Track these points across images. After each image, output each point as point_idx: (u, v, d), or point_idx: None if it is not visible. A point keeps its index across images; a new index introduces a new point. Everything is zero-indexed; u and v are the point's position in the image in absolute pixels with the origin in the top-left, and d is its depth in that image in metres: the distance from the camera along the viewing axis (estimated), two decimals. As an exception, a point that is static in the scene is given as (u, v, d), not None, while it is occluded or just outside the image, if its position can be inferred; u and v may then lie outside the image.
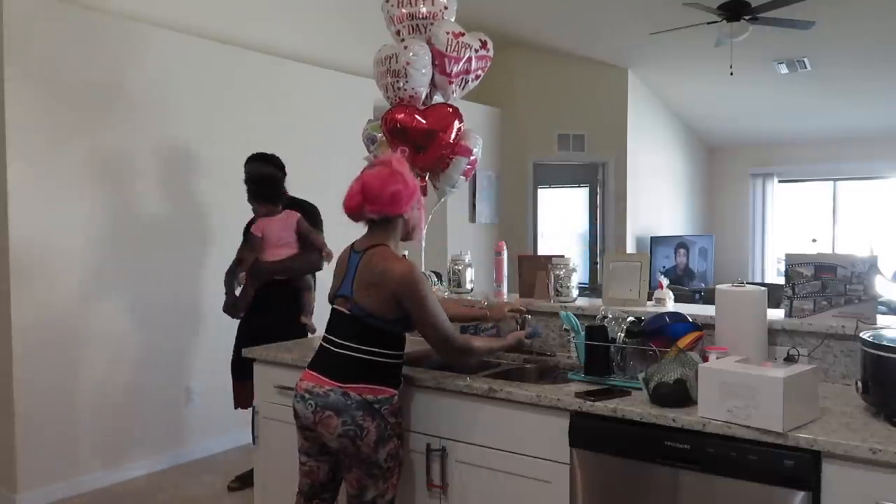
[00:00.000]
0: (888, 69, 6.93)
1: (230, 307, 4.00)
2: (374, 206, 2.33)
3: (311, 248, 3.90)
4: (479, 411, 2.39)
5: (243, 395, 3.88)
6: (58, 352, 3.98)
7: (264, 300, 3.89)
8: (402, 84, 3.36)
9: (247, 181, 3.94)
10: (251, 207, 3.96)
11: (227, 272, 4.07)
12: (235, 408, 4.04)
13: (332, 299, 2.44)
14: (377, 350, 2.33)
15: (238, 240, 4.13)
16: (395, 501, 2.44)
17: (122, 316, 4.27)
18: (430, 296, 2.34)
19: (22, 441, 3.83)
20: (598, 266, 8.10)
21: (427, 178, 3.61)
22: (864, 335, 1.99)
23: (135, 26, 4.40)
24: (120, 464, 4.24)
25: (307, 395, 2.32)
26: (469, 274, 3.35)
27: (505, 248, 3.31)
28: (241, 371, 3.80)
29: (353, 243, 2.46)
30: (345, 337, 2.34)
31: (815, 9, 5.49)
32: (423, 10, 3.39)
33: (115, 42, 4.27)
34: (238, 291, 4.01)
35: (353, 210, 2.37)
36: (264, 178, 3.89)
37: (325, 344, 2.41)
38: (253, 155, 4.06)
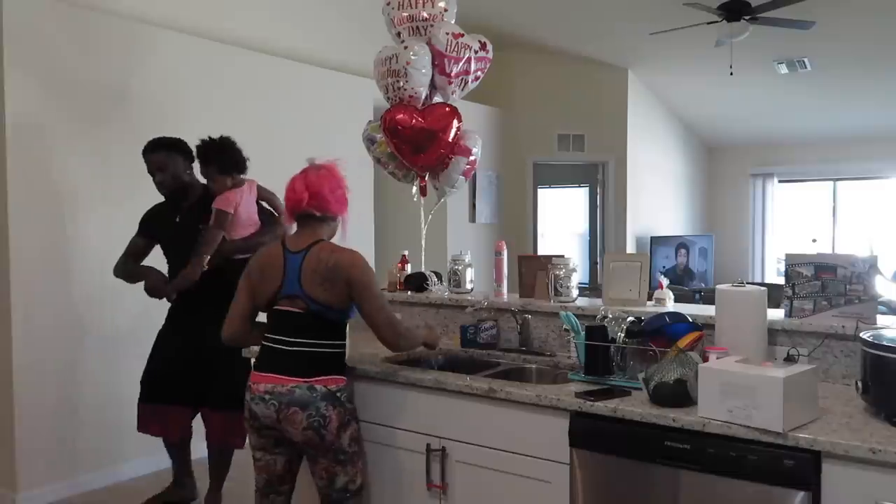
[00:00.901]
0: (888, 69, 6.93)
1: (158, 286, 3.39)
2: (319, 203, 2.44)
3: (275, 218, 3.47)
4: (479, 411, 2.39)
5: (157, 421, 3.46)
6: (58, 352, 3.98)
7: (195, 299, 3.34)
8: (402, 84, 3.37)
9: (207, 148, 3.38)
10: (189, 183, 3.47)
11: (118, 268, 3.53)
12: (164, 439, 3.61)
13: (271, 303, 2.46)
14: (330, 342, 2.43)
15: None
16: (364, 486, 2.52)
17: (122, 316, 4.27)
18: (377, 282, 2.51)
19: (22, 441, 3.83)
20: (598, 266, 8.10)
21: (426, 177, 3.62)
22: (864, 335, 1.99)
23: (135, 26, 4.40)
24: (120, 464, 4.24)
25: (268, 396, 2.37)
26: (469, 274, 3.35)
27: (505, 248, 3.31)
28: (165, 391, 3.41)
29: (283, 243, 2.49)
30: (297, 335, 2.40)
31: (815, 9, 5.49)
32: (424, 12, 3.41)
33: (116, 42, 4.27)
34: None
35: (298, 204, 2.45)
36: (223, 143, 3.37)
37: (273, 345, 2.44)
38: (157, 141, 3.44)
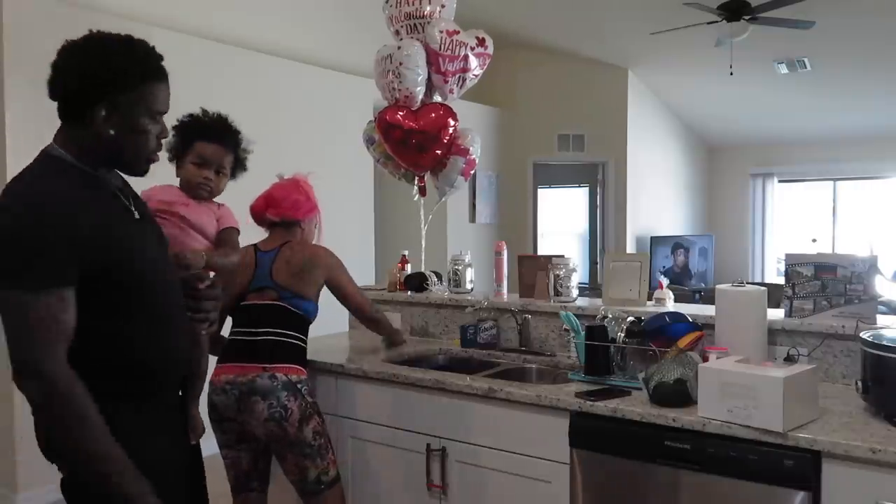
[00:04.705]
0: (888, 69, 6.92)
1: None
2: (275, 210, 2.63)
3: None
4: (479, 411, 2.39)
5: None
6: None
7: None
8: (396, 84, 3.36)
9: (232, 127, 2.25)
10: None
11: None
12: None
13: (240, 298, 2.55)
14: (296, 334, 2.52)
15: None
16: (341, 477, 2.54)
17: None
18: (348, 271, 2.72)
19: (22, 441, 3.82)
20: (598, 266, 8.10)
21: (425, 178, 3.61)
22: (864, 335, 1.99)
23: (134, 26, 4.37)
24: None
25: (229, 387, 2.40)
26: (469, 274, 3.35)
27: (505, 248, 3.31)
28: None
29: (254, 246, 2.63)
30: (262, 324, 2.48)
31: (815, 9, 5.49)
32: (421, 9, 3.38)
33: (115, 42, 4.27)
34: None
35: (257, 211, 2.67)
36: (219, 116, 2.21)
37: (241, 337, 2.50)
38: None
